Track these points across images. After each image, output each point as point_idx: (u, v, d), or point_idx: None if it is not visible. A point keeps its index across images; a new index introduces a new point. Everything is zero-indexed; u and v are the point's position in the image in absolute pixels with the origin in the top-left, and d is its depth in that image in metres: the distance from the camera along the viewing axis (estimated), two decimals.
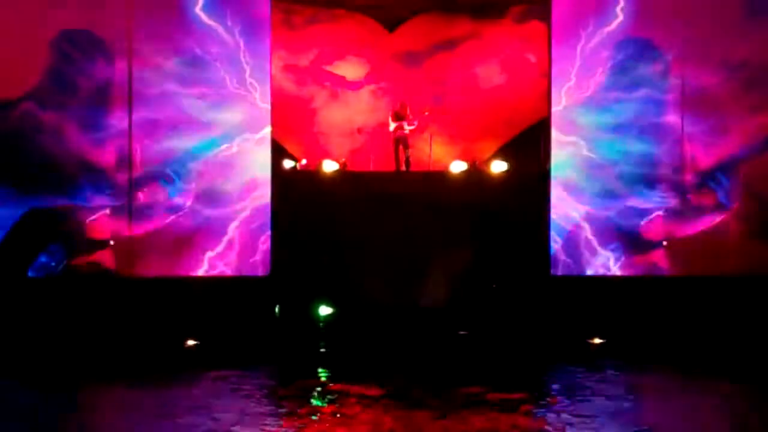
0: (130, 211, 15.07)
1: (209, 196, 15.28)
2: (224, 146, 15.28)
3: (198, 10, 15.19)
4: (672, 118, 15.66)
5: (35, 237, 14.96)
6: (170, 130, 15.15)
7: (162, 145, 15.16)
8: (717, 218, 15.71)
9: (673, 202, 15.68)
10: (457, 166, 16.31)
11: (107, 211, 15.04)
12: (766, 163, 15.64)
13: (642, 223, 15.69)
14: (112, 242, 15.06)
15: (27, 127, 14.90)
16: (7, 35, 14.81)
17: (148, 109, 15.11)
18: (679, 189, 15.68)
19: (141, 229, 15.11)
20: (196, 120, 15.21)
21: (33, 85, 14.93)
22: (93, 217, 15.05)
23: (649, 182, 15.68)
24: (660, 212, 15.69)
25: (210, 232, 15.28)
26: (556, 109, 15.64)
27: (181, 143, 15.20)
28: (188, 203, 15.22)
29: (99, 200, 15.04)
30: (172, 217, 15.19)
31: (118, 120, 15.05)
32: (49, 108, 14.92)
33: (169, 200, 15.21)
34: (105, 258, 15.05)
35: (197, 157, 15.23)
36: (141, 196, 15.13)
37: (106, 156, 15.07)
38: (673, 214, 15.68)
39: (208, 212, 15.26)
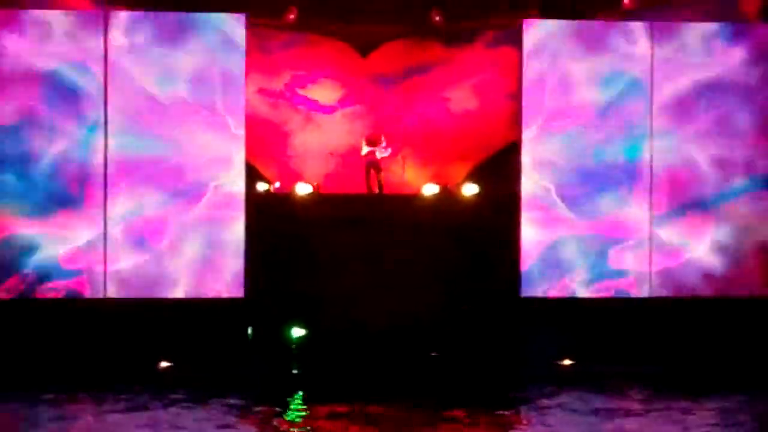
0: (105, 239, 15.13)
1: (183, 220, 15.34)
2: (197, 169, 15.36)
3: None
4: (647, 145, 15.85)
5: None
6: (144, 155, 15.21)
7: (136, 169, 15.22)
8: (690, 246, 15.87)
9: (645, 228, 15.83)
10: (430, 189, 16.47)
11: (82, 239, 15.09)
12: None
13: (614, 246, 15.85)
14: (84, 269, 15.10)
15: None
16: None
17: (122, 135, 15.19)
18: (651, 216, 15.86)
19: (114, 255, 15.14)
20: (169, 143, 15.28)
21: None
22: (67, 247, 15.09)
23: (622, 207, 15.86)
24: (632, 238, 15.84)
25: (183, 254, 15.33)
26: (526, 132, 15.82)
27: (155, 168, 15.25)
28: (162, 227, 15.28)
29: (72, 228, 15.08)
30: (146, 242, 15.23)
31: (92, 148, 15.14)
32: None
33: (144, 224, 15.26)
34: (77, 281, 15.08)
35: (170, 181, 15.30)
36: (118, 227, 15.16)
37: (81, 185, 15.13)
38: (645, 240, 15.85)
39: (182, 235, 15.32)
